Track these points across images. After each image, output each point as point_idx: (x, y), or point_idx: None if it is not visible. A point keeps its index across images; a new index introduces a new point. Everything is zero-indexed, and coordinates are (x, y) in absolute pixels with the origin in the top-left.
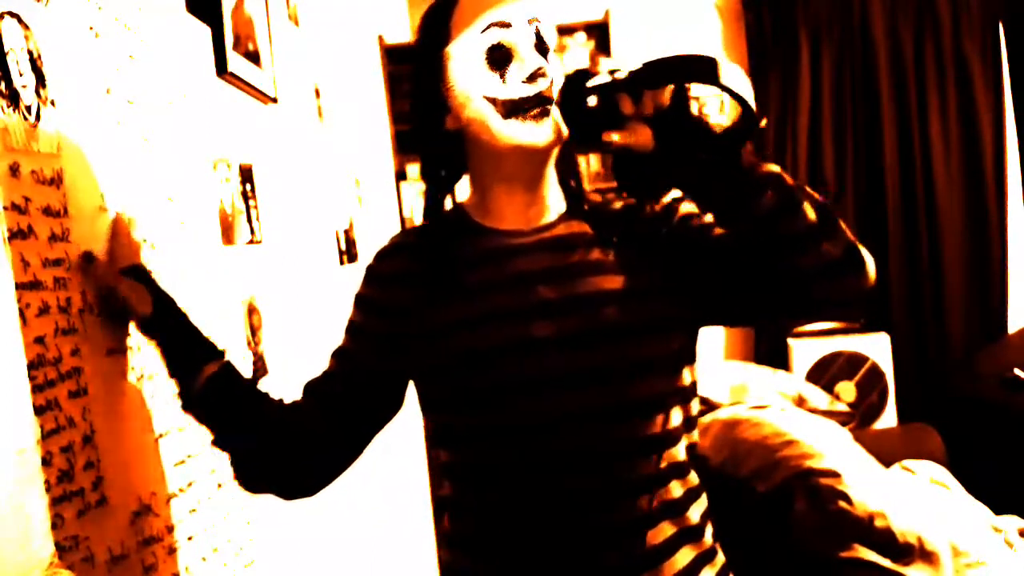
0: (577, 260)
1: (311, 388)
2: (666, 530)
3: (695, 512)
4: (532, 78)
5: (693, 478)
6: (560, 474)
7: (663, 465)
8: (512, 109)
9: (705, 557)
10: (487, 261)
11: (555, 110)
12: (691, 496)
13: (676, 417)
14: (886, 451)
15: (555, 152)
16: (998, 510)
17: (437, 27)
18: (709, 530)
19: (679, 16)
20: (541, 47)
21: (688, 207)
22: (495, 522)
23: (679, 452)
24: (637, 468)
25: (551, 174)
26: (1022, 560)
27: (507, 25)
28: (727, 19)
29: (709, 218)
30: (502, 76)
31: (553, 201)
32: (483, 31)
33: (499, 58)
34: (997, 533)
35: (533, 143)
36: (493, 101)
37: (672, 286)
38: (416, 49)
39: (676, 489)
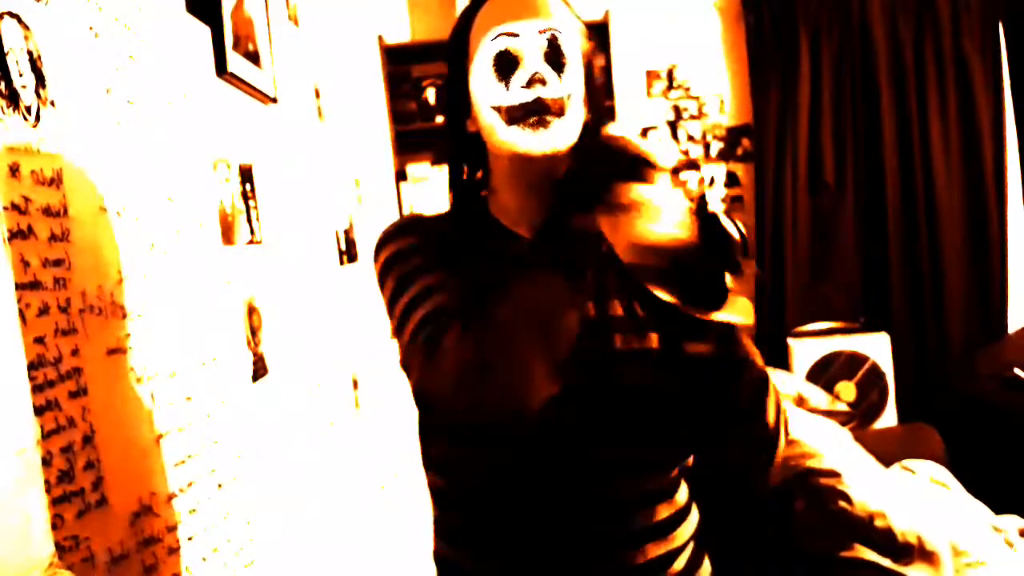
0: (592, 281)
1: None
2: (651, 551)
3: (682, 532)
4: (530, 83)
5: (680, 499)
6: (545, 481)
7: (652, 487)
8: (512, 116)
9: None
10: (505, 265)
11: (559, 121)
12: (678, 518)
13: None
14: (886, 451)
15: (559, 160)
16: (998, 510)
17: (461, 34)
18: (689, 548)
19: (679, 16)
20: (555, 59)
21: None
22: (480, 517)
23: (670, 474)
24: (632, 485)
25: None
26: (1022, 560)
27: (515, 35)
28: (727, 19)
29: None
30: (507, 84)
31: None
32: (493, 39)
33: (505, 66)
34: (997, 533)
35: (528, 150)
36: (498, 109)
37: None
38: (445, 53)
39: (664, 511)
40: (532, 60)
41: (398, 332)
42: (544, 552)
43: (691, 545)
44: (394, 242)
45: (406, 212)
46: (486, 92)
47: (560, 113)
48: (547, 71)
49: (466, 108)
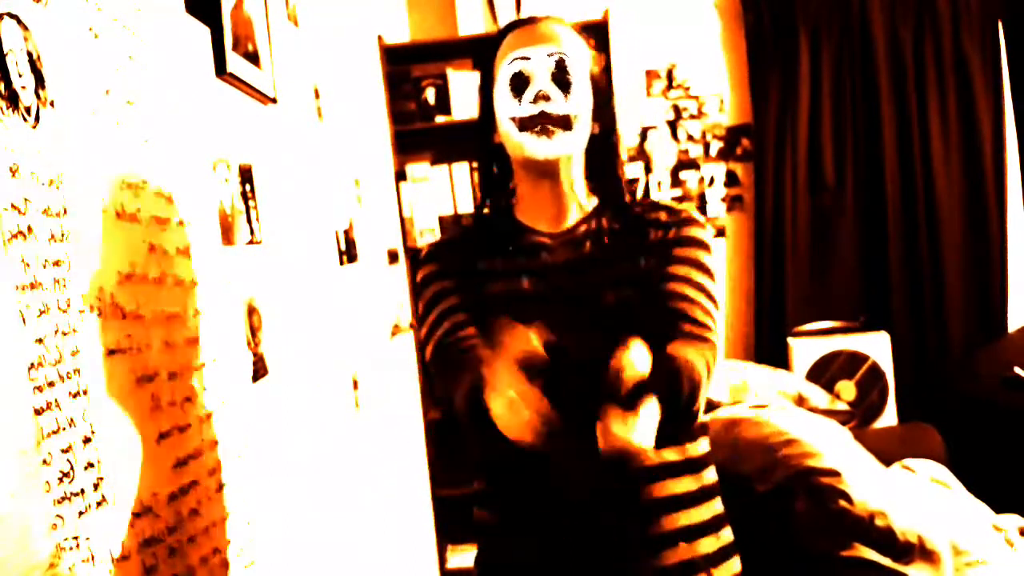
0: (588, 253)
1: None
2: (668, 523)
3: (709, 507)
4: (536, 99)
5: (708, 477)
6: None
7: (670, 458)
8: (523, 125)
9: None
10: (521, 253)
11: (564, 133)
12: (704, 495)
13: None
14: (886, 450)
15: (563, 164)
16: (998, 509)
17: (489, 61)
18: (724, 536)
19: (679, 16)
20: (561, 79)
21: (679, 267)
22: (514, 483)
23: (687, 447)
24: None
25: (573, 182)
26: (1023, 559)
27: (527, 58)
28: (727, 19)
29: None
30: (519, 99)
31: (577, 205)
32: (510, 63)
33: (518, 84)
34: (998, 532)
35: (533, 154)
36: (513, 120)
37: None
38: (479, 79)
39: (688, 483)
40: (540, 79)
41: (424, 341)
42: (577, 524)
43: (724, 531)
44: (426, 264)
45: (406, 212)
46: (504, 106)
47: (565, 126)
48: (552, 89)
49: (493, 123)
